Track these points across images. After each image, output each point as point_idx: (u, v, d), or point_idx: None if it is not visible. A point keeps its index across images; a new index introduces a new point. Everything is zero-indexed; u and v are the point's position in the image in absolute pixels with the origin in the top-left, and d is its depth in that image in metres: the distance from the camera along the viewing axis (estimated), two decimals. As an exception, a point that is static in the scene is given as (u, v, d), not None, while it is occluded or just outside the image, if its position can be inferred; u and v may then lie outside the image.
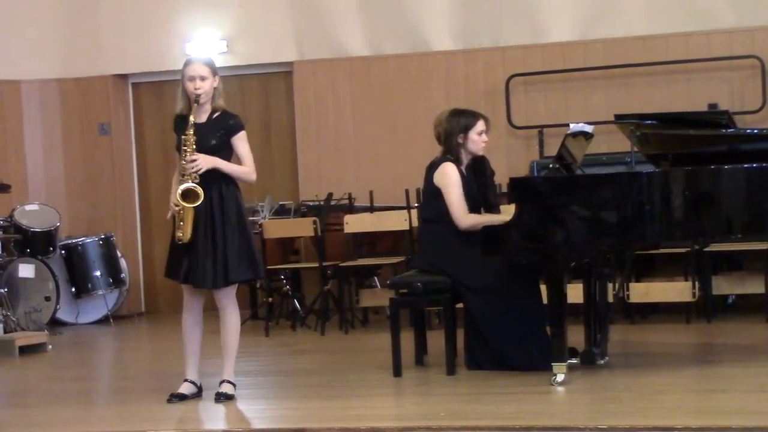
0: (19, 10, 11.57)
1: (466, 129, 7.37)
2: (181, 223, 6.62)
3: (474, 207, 7.36)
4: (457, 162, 7.38)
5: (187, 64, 6.76)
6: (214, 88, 6.75)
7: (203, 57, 6.92)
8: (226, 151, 6.75)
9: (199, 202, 6.60)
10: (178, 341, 6.95)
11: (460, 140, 7.37)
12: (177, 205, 6.63)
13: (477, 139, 7.40)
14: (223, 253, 6.66)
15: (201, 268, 6.66)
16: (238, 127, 6.77)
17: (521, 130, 10.59)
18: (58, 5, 11.68)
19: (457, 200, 7.27)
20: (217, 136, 6.71)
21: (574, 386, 6.68)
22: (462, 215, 7.26)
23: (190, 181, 6.60)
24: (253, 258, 6.79)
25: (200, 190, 6.58)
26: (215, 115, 6.77)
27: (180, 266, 6.72)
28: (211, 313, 6.93)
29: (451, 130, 7.38)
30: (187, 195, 6.60)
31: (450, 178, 7.30)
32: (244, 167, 6.75)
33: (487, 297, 7.18)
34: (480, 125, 7.41)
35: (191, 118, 6.64)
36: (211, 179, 6.65)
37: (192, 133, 6.62)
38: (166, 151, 11.15)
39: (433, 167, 7.41)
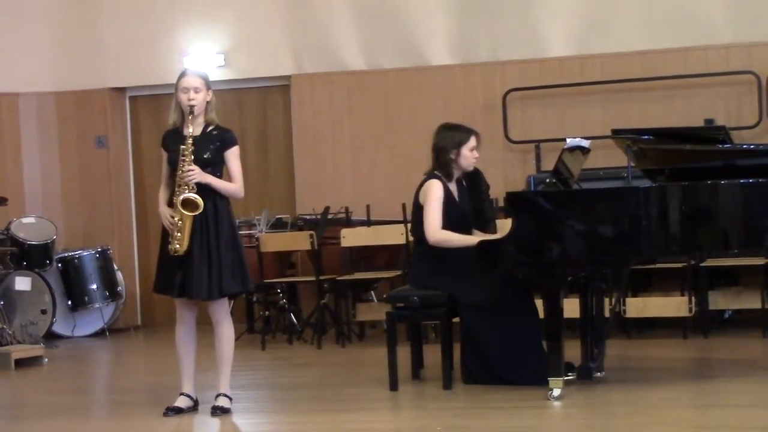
0: (17, 23, 11.58)
1: (460, 145, 7.36)
2: (178, 234, 6.61)
3: (467, 222, 7.35)
4: (448, 177, 7.37)
5: (181, 76, 6.79)
6: (207, 102, 6.77)
7: (197, 70, 6.95)
8: (219, 165, 6.76)
9: (198, 212, 6.60)
10: (174, 354, 6.93)
11: (453, 156, 7.36)
12: (174, 216, 6.64)
13: (469, 155, 7.38)
14: (218, 265, 6.67)
15: (196, 280, 6.65)
16: (233, 142, 6.79)
17: (518, 144, 10.60)
18: (55, 18, 11.69)
19: (432, 213, 7.23)
20: (211, 149, 6.73)
21: (570, 401, 6.67)
22: (434, 229, 7.20)
23: (188, 191, 6.61)
24: (244, 271, 6.81)
25: (200, 200, 6.59)
26: (209, 129, 6.78)
27: (173, 280, 6.70)
28: (205, 327, 6.92)
29: (445, 146, 7.36)
30: (187, 204, 6.61)
31: (431, 194, 7.26)
32: (234, 184, 6.77)
33: (483, 312, 7.16)
34: (472, 141, 7.40)
35: (190, 129, 6.65)
36: (206, 192, 6.66)
37: (191, 143, 6.63)
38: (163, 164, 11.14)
39: (422, 186, 7.40)
